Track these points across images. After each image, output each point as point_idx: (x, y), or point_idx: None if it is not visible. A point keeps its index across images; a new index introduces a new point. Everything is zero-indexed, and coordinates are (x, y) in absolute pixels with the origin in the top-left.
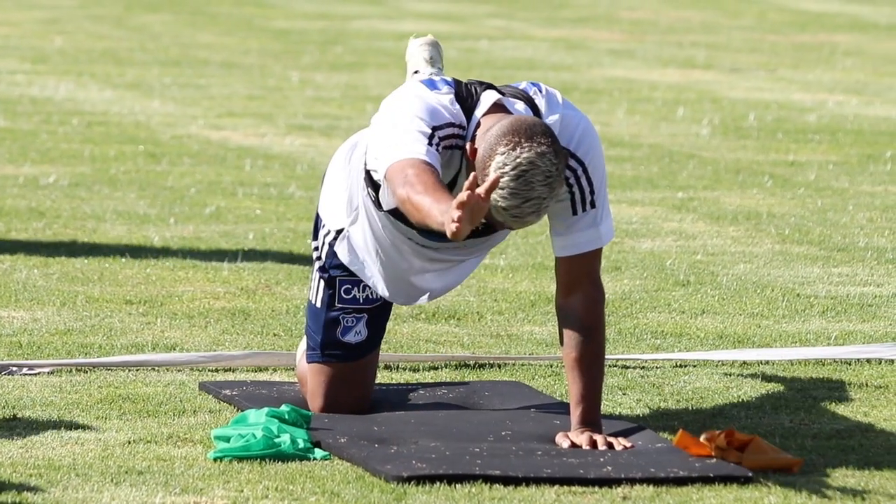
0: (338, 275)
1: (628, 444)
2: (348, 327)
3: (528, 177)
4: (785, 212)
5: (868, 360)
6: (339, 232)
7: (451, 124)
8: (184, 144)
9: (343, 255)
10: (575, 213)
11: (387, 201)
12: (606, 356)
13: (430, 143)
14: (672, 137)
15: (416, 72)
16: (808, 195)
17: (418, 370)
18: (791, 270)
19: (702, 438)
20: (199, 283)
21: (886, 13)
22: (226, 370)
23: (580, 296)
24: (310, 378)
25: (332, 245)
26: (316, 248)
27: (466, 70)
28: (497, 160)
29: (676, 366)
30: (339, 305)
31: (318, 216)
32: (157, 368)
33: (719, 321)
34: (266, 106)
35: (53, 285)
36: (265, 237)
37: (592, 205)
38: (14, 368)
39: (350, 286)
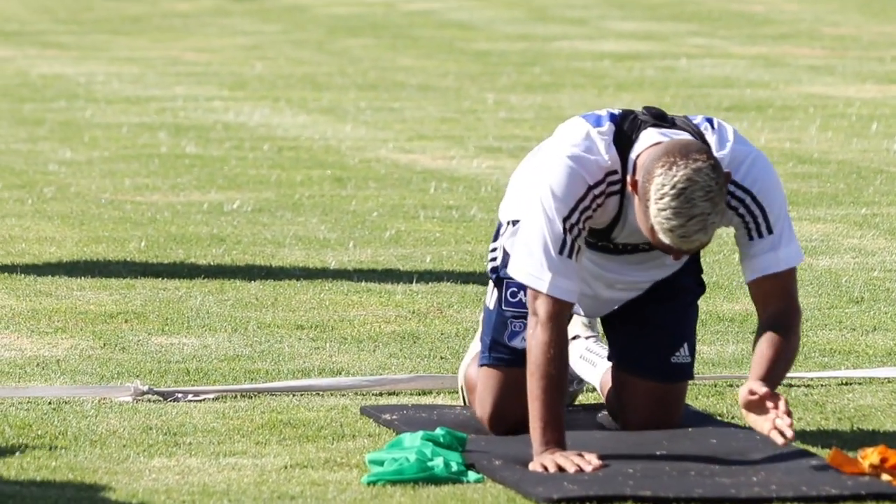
0: (507, 276)
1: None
2: (516, 332)
3: (688, 193)
4: None
5: None
6: (516, 222)
7: (606, 175)
8: (371, 168)
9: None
10: (751, 238)
11: None
12: None
13: (560, 250)
14: (862, 153)
15: (574, 337)
16: None
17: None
18: None
19: (856, 456)
20: (372, 307)
21: None
22: (389, 394)
23: (773, 311)
24: (479, 382)
25: (508, 239)
26: (493, 250)
27: (663, 89)
28: (656, 182)
29: (842, 384)
30: (506, 308)
31: (499, 223)
32: (320, 393)
33: (890, 338)
34: (458, 128)
35: (227, 311)
36: (442, 260)
37: (769, 230)
38: (180, 395)
39: (517, 289)
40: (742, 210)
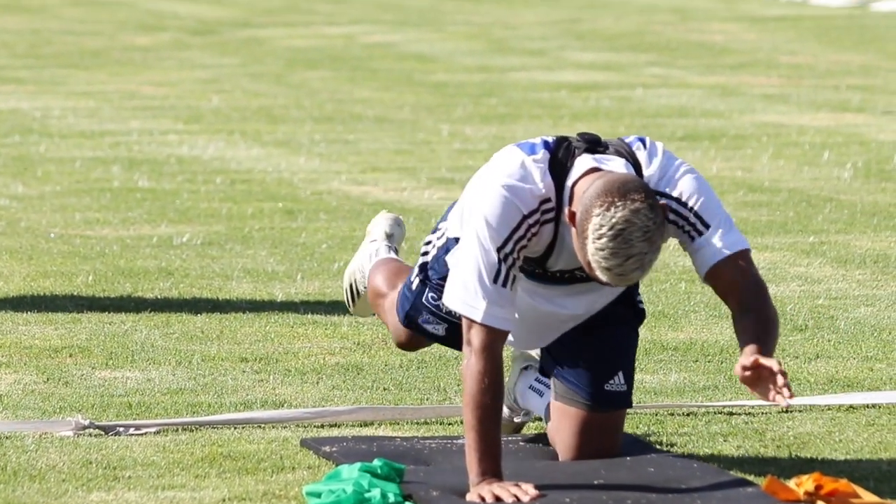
0: (435, 279)
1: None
2: (427, 321)
3: (625, 235)
4: None
5: None
6: (457, 240)
7: (541, 204)
8: (323, 200)
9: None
10: (693, 239)
11: None
12: (712, 402)
13: (495, 279)
14: (813, 182)
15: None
16: None
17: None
18: None
19: (791, 483)
20: (318, 339)
21: None
22: (331, 426)
23: (739, 297)
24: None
25: (445, 251)
26: (428, 243)
27: (618, 118)
28: (594, 221)
29: (782, 412)
30: (425, 304)
31: (445, 216)
32: (262, 426)
33: (832, 365)
34: (411, 160)
35: (172, 344)
36: None
37: (706, 226)
38: (121, 429)
39: (437, 295)
40: (672, 217)
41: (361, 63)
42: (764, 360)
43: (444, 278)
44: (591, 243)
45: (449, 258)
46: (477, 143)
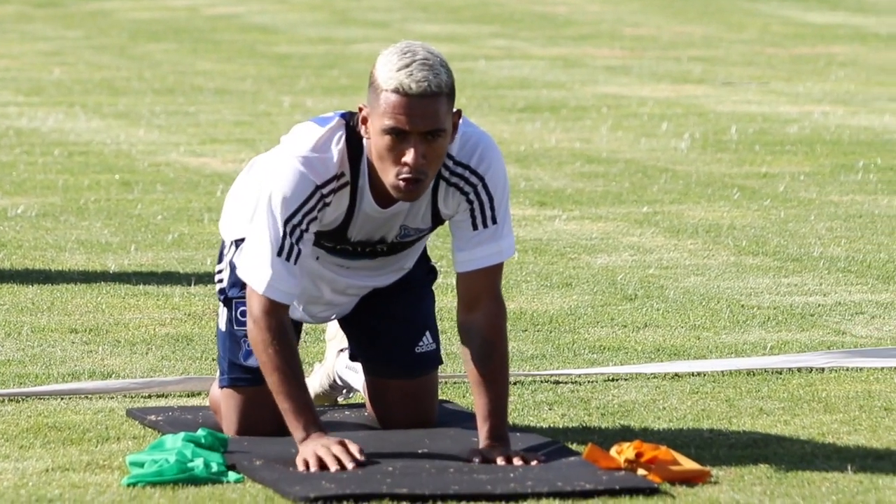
0: (235, 296)
1: (542, 458)
2: (249, 351)
3: (410, 48)
4: (746, 223)
5: (798, 370)
6: (241, 241)
7: (335, 176)
8: (160, 172)
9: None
10: (475, 227)
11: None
12: (539, 371)
13: (279, 252)
14: (650, 153)
15: (342, 349)
16: (774, 206)
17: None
18: (741, 282)
19: (612, 451)
20: (149, 310)
21: (888, 23)
22: (159, 396)
23: (482, 312)
24: (222, 403)
25: (233, 258)
26: (219, 271)
27: (459, 90)
28: (379, 61)
29: (608, 380)
30: (238, 329)
31: (222, 243)
32: (89, 396)
33: (659, 334)
34: (251, 132)
35: (1, 316)
36: None
37: (494, 220)
38: None
39: (246, 308)
40: (472, 196)
41: (204, 35)
42: (499, 460)
43: (239, 284)
44: (380, 72)
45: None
46: (317, 115)
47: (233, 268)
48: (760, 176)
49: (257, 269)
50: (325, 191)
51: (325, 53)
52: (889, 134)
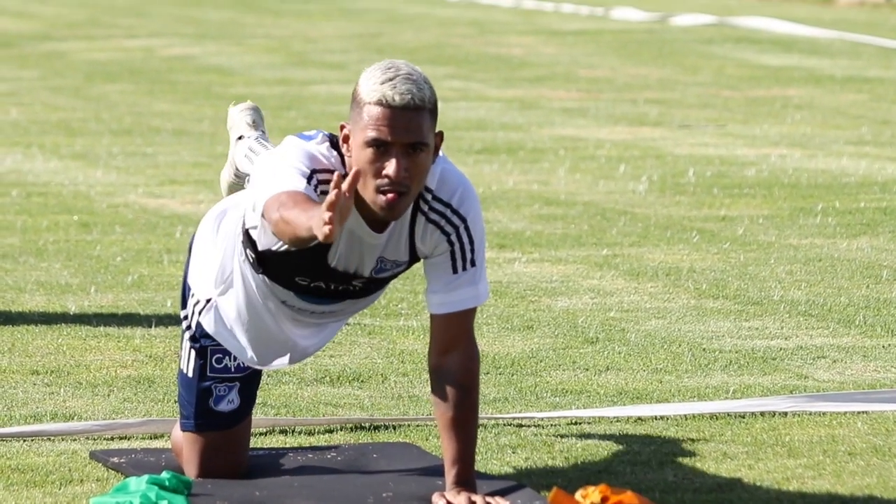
0: (209, 344)
1: (507, 503)
2: (221, 396)
3: (395, 63)
4: (706, 266)
5: (762, 414)
6: (207, 301)
7: (329, 170)
8: (119, 213)
9: (209, 325)
10: (455, 271)
11: (263, 241)
12: (501, 415)
13: (308, 182)
14: (608, 195)
15: (239, 137)
16: (733, 250)
17: (314, 433)
18: (702, 325)
19: (577, 495)
20: (110, 351)
21: (842, 65)
22: (121, 438)
23: (456, 355)
24: (185, 447)
25: (200, 314)
26: (186, 317)
27: None
28: (362, 77)
29: (571, 423)
30: (211, 375)
31: (185, 284)
32: (52, 438)
33: (621, 378)
34: (209, 173)
35: None
36: None
37: (472, 263)
38: None
39: (221, 355)
40: (454, 237)
41: (161, 76)
42: None
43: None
44: (363, 87)
45: (204, 315)
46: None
47: (199, 316)
48: (719, 219)
49: (283, 186)
50: (320, 177)
51: (282, 95)
52: (847, 177)
